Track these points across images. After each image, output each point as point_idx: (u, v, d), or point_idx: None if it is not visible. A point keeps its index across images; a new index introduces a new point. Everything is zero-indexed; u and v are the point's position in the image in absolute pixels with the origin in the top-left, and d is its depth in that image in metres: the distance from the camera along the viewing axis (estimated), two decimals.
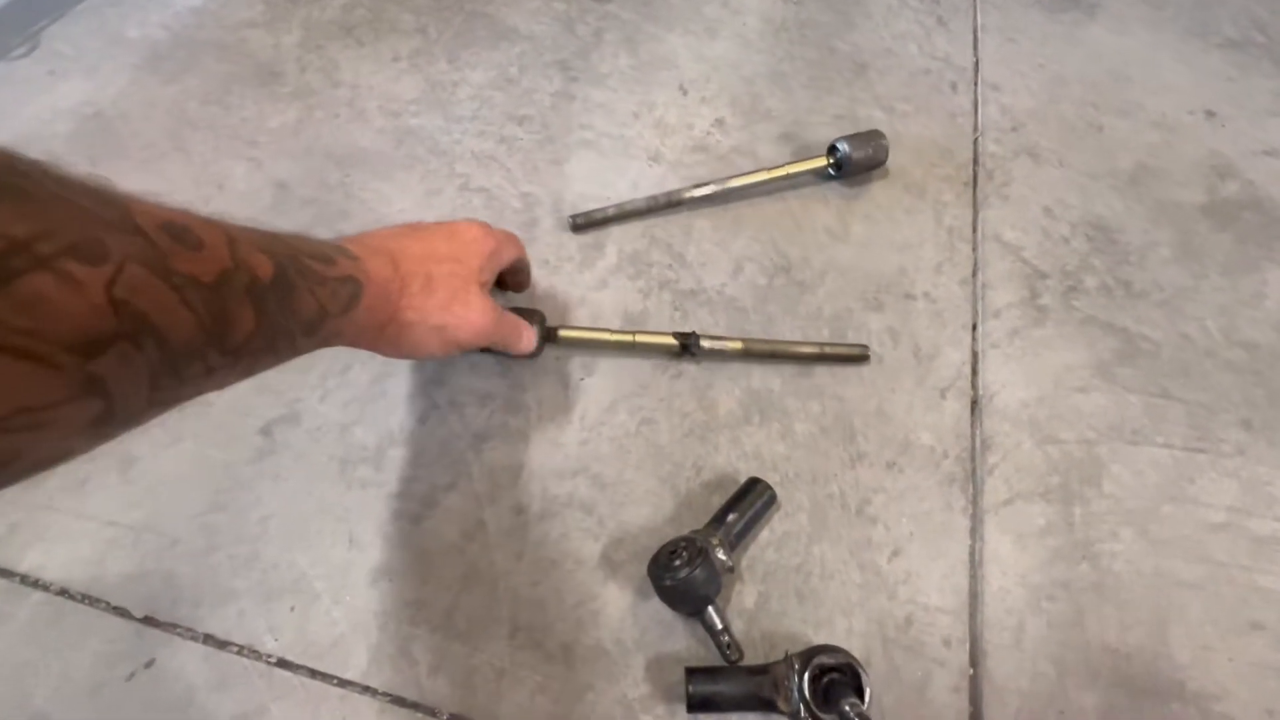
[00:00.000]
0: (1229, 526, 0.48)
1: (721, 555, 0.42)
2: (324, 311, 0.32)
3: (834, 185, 0.65)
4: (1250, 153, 0.69)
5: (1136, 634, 0.44)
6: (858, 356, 0.54)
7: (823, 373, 0.54)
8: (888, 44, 0.77)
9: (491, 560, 0.46)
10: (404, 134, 0.67)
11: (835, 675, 0.39)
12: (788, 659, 0.40)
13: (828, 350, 0.54)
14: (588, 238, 0.61)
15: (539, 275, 0.58)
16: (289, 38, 0.75)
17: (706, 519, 0.45)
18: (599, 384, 0.53)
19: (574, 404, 0.52)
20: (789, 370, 0.54)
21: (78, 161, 0.63)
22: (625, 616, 0.44)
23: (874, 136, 0.62)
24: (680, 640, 0.44)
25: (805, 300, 0.57)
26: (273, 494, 0.48)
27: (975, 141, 0.69)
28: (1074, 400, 0.53)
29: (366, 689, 0.42)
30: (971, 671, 0.43)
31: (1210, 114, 0.72)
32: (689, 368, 0.54)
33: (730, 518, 0.45)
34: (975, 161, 0.67)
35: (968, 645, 0.44)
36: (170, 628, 0.44)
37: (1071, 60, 0.76)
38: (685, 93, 0.72)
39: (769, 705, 0.39)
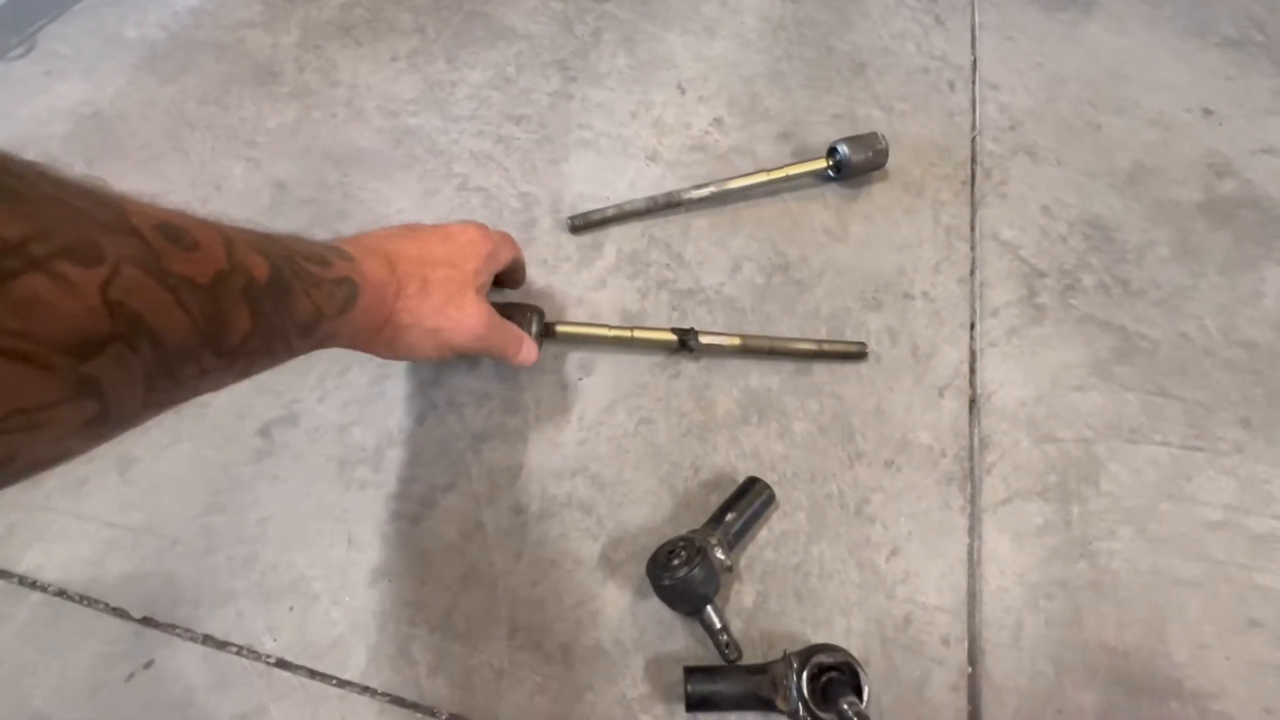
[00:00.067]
0: (1227, 525, 0.48)
1: (720, 555, 0.42)
2: (320, 313, 0.32)
3: (832, 185, 0.65)
4: (1248, 151, 0.69)
5: (1134, 632, 0.44)
6: (855, 354, 0.54)
7: (821, 372, 0.54)
8: (886, 43, 0.77)
9: (490, 560, 0.46)
10: (402, 134, 0.67)
11: (834, 674, 0.39)
12: (786, 658, 0.40)
13: (825, 347, 0.54)
14: (586, 238, 0.61)
15: (537, 275, 0.58)
16: (287, 38, 0.75)
17: (705, 518, 0.45)
18: (597, 384, 0.53)
19: (572, 404, 0.52)
20: (787, 369, 0.54)
21: (75, 162, 0.63)
22: (624, 616, 0.44)
23: (874, 139, 0.62)
24: (679, 640, 0.44)
25: (803, 299, 0.57)
26: (271, 495, 0.48)
27: (973, 140, 0.69)
28: (1072, 399, 0.53)
29: (365, 689, 0.42)
30: (970, 670, 0.43)
31: (1208, 112, 0.72)
32: (687, 367, 0.54)
33: (729, 517, 0.45)
34: (973, 160, 0.67)
35: (966, 644, 0.44)
36: (169, 628, 0.44)
37: (1069, 59, 0.76)
38: (683, 92, 0.72)
39: (768, 704, 0.39)
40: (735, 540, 0.45)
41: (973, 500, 0.49)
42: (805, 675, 0.38)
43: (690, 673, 0.40)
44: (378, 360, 0.46)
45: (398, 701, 0.42)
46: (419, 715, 0.41)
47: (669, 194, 0.61)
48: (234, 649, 0.43)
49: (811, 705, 0.38)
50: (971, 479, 0.50)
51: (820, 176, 0.64)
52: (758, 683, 0.40)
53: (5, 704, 0.41)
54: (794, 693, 0.38)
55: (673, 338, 0.53)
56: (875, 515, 0.48)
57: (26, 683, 0.42)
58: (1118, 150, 0.68)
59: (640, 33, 0.77)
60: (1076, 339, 0.56)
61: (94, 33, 0.75)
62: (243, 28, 0.76)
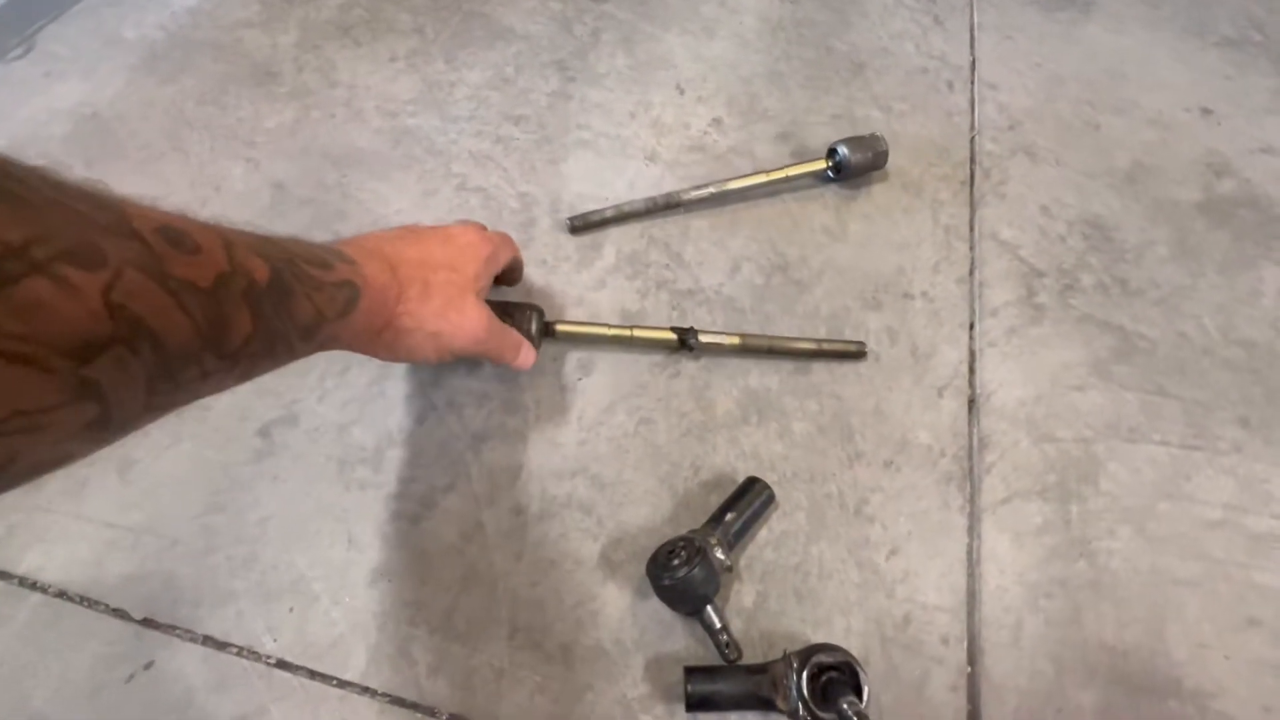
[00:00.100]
0: (1226, 524, 0.48)
1: (720, 555, 0.42)
2: (320, 316, 0.32)
3: (832, 186, 0.65)
4: (1247, 151, 0.69)
5: (1134, 631, 0.44)
6: (854, 353, 0.54)
7: (820, 372, 0.54)
8: (884, 43, 0.77)
9: (490, 561, 0.46)
10: (401, 134, 0.67)
11: (834, 674, 0.39)
12: (786, 658, 0.40)
13: (825, 346, 0.54)
14: (585, 238, 0.61)
15: (536, 275, 0.58)
16: (285, 38, 0.75)
17: (705, 519, 0.46)
18: (597, 384, 0.53)
19: (572, 404, 0.52)
20: (787, 369, 0.54)
21: (74, 163, 0.63)
22: (624, 616, 0.44)
23: (874, 140, 0.62)
24: (679, 640, 0.44)
25: (803, 299, 0.58)
26: (271, 495, 0.48)
27: (972, 140, 0.69)
28: (1071, 398, 0.53)
29: (366, 690, 0.42)
30: (969, 669, 0.43)
31: (1207, 112, 0.72)
32: (687, 367, 0.54)
33: (728, 517, 0.45)
34: (972, 160, 0.67)
35: (965, 643, 0.44)
36: (169, 629, 0.44)
37: (1068, 59, 0.76)
38: (682, 92, 0.72)
39: (768, 704, 0.39)
40: (735, 540, 0.45)
41: (972, 500, 0.49)
42: (805, 675, 0.38)
43: (690, 672, 0.40)
44: (377, 361, 0.46)
45: (398, 702, 0.42)
46: (419, 715, 0.41)
47: (668, 195, 0.61)
48: (234, 649, 0.43)
49: (811, 705, 0.38)
50: (971, 479, 0.50)
51: (820, 177, 0.64)
52: (758, 682, 0.40)
53: (6, 705, 0.41)
54: (794, 692, 0.38)
55: (672, 336, 0.53)
56: (875, 515, 0.48)
57: (27, 684, 0.42)
58: (1116, 150, 0.68)
59: (639, 33, 0.77)
60: (1075, 339, 0.56)
61: (93, 33, 0.75)
62: (241, 28, 0.75)
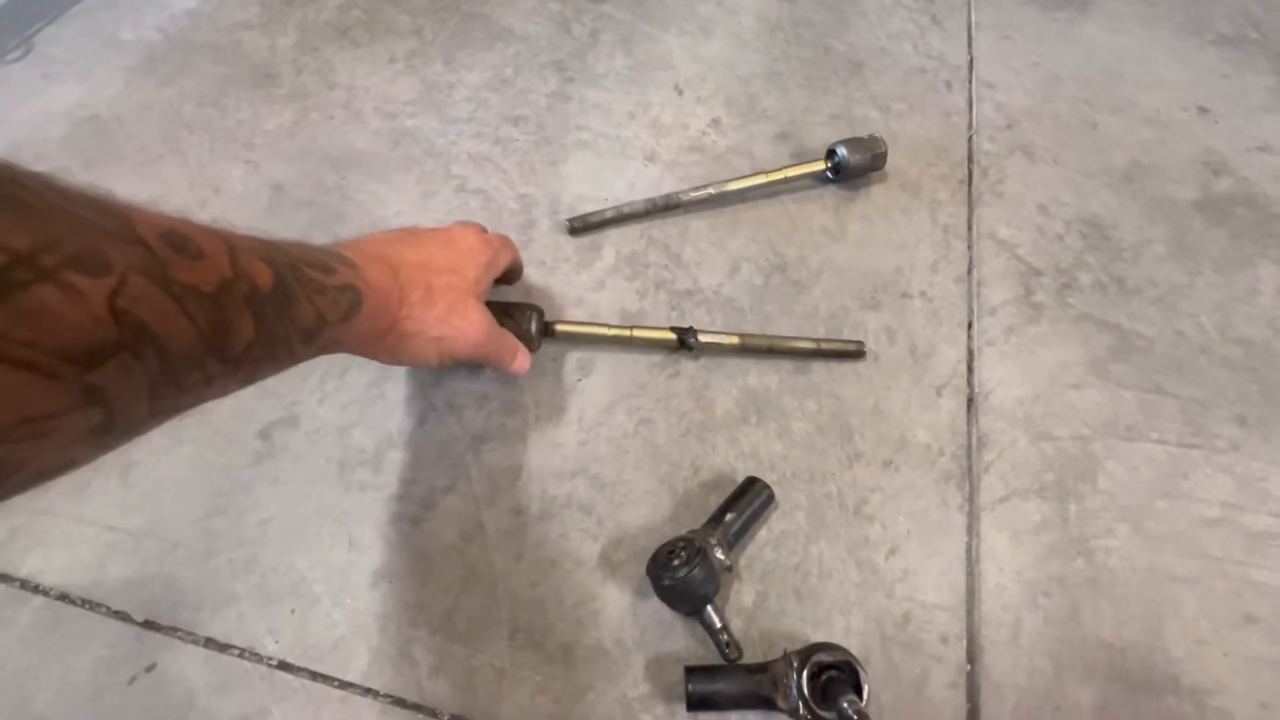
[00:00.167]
0: (1223, 522, 0.48)
1: (720, 555, 0.42)
2: (323, 320, 0.32)
3: (830, 186, 0.65)
4: (1244, 149, 0.69)
5: (1132, 629, 0.45)
6: (854, 352, 0.54)
7: (819, 371, 0.54)
8: (882, 43, 0.77)
9: (491, 561, 0.46)
10: (400, 135, 0.67)
11: (834, 673, 0.39)
12: (786, 657, 0.40)
13: (824, 346, 0.54)
14: (584, 239, 0.61)
15: (536, 276, 0.58)
16: (284, 39, 0.75)
17: (705, 519, 0.46)
18: (596, 384, 0.53)
19: (572, 405, 0.52)
20: (786, 369, 0.54)
21: (72, 165, 0.63)
22: (625, 616, 0.45)
23: (873, 141, 0.62)
24: (679, 639, 0.44)
25: (802, 299, 0.58)
26: (272, 497, 0.48)
27: (970, 140, 0.69)
28: (1069, 397, 0.53)
29: (367, 691, 0.42)
30: (969, 668, 0.44)
31: (1204, 110, 0.72)
32: (686, 367, 0.54)
33: (728, 517, 0.45)
34: (970, 159, 0.67)
35: (965, 642, 0.44)
36: (171, 631, 0.44)
37: (1066, 58, 0.76)
38: (681, 93, 0.72)
39: (768, 703, 0.39)
40: (735, 540, 0.45)
41: (971, 499, 0.49)
42: (805, 674, 0.38)
43: (691, 672, 0.40)
44: (377, 363, 0.46)
45: (399, 703, 0.42)
46: (421, 716, 0.42)
47: (668, 195, 0.61)
48: (236, 651, 0.43)
49: (812, 704, 0.38)
50: (969, 477, 0.50)
51: (818, 178, 0.64)
52: (758, 682, 0.40)
53: (7, 708, 0.41)
54: (794, 691, 0.39)
55: (672, 336, 0.53)
56: (874, 514, 0.48)
57: (28, 687, 0.42)
58: (1114, 149, 0.69)
59: (637, 33, 0.77)
60: (1073, 337, 0.56)
61: (90, 35, 0.75)
62: (239, 30, 0.75)
